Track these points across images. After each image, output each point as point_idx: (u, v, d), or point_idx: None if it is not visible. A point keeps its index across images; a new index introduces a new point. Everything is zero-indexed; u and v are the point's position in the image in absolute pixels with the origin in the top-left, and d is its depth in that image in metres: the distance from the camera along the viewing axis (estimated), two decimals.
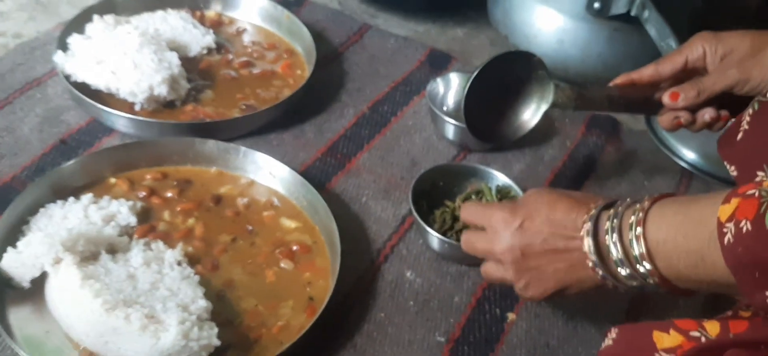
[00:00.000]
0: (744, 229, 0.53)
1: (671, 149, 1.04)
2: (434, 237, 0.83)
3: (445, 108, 1.04)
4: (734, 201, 0.54)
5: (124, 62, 0.95)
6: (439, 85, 1.04)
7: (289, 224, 0.85)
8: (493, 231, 0.69)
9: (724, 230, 0.54)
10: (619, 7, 1.03)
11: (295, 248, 0.82)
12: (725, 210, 0.55)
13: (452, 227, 0.85)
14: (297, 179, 0.87)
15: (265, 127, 0.98)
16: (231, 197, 0.88)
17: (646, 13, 0.98)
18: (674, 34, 0.95)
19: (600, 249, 0.63)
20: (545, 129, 1.06)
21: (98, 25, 1.01)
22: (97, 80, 0.95)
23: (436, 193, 0.89)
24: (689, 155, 1.03)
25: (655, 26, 0.97)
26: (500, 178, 0.91)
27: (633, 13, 1.01)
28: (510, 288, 0.82)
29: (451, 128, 0.99)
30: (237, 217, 0.85)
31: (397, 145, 1.00)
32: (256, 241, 0.83)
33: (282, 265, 0.81)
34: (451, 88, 1.05)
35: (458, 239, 0.82)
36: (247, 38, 1.13)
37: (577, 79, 1.15)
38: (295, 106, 1.00)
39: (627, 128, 1.09)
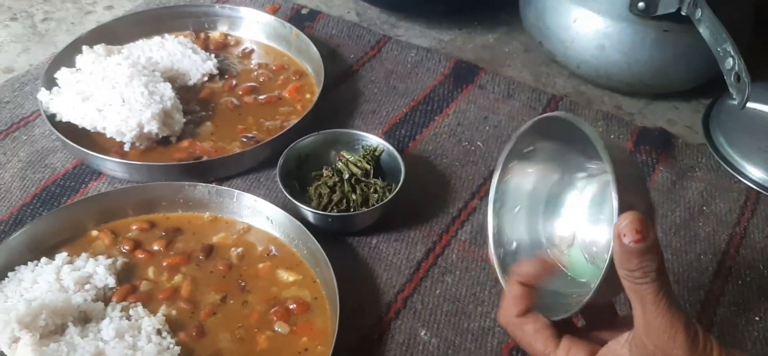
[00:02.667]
0: None
1: (734, 166, 0.90)
2: (318, 215, 0.78)
3: None
4: None
5: (112, 98, 0.87)
6: None
7: (287, 277, 0.75)
8: None
9: None
10: (667, 6, 0.89)
11: (291, 306, 0.72)
12: None
13: (331, 200, 0.80)
14: (295, 224, 0.77)
15: (268, 161, 0.88)
16: (224, 247, 0.78)
17: (698, 13, 0.84)
18: (731, 38, 0.80)
19: None
20: None
21: (87, 57, 0.93)
22: (84, 119, 0.87)
23: (306, 169, 0.84)
24: (756, 172, 0.88)
25: (709, 28, 0.83)
26: (369, 139, 0.86)
27: (684, 12, 0.87)
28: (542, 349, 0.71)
29: None
30: (229, 271, 0.76)
31: (415, 175, 0.89)
32: (248, 300, 0.73)
33: (276, 328, 0.71)
34: None
35: (339, 210, 0.79)
36: (254, 60, 1.04)
37: (621, 88, 1.02)
38: (301, 135, 0.90)
39: (682, 141, 0.94)
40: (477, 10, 1.18)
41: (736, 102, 0.83)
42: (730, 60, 0.81)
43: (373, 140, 0.86)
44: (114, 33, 1.01)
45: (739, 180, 0.89)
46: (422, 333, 0.73)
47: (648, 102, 1.02)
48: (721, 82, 0.92)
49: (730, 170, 0.90)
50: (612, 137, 0.95)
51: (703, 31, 0.85)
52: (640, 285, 0.47)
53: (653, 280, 0.47)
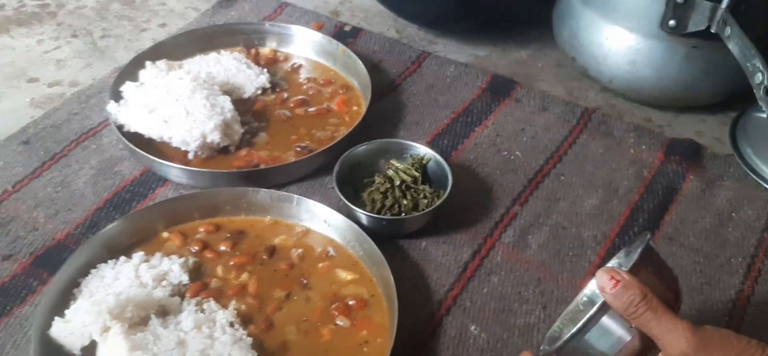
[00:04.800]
0: None
1: (761, 175, 0.95)
2: (372, 218, 0.84)
3: None
4: None
5: (176, 110, 0.93)
6: None
7: (345, 276, 0.81)
8: None
9: None
10: (697, 24, 0.94)
11: (351, 303, 0.78)
12: None
13: (384, 205, 0.86)
14: (352, 227, 0.83)
15: (321, 169, 0.94)
16: (285, 248, 0.84)
17: (727, 30, 0.90)
18: (760, 54, 0.86)
19: None
20: (618, 157, 0.99)
21: (150, 72, 0.99)
22: (150, 130, 0.94)
23: (359, 175, 0.91)
24: None
25: (738, 45, 0.89)
26: (417, 148, 0.92)
27: (713, 29, 0.93)
28: None
29: None
30: (291, 270, 0.82)
31: (459, 182, 0.94)
32: (310, 296, 0.79)
33: (338, 322, 0.76)
34: None
35: (392, 214, 0.86)
36: (303, 74, 1.10)
37: (651, 102, 1.07)
38: (350, 144, 0.96)
39: (711, 152, 1.00)
40: (509, 27, 1.24)
41: (764, 114, 0.88)
42: (760, 75, 0.86)
43: (421, 150, 0.92)
44: (172, 49, 1.07)
45: (766, 189, 0.94)
46: (472, 328, 0.78)
47: (677, 115, 1.07)
48: (746, 96, 0.97)
49: (757, 179, 0.95)
50: (643, 147, 1.00)
51: (733, 47, 0.90)
52: (640, 315, 0.56)
53: (645, 306, 0.56)
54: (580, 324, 0.58)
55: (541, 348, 0.66)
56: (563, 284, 0.83)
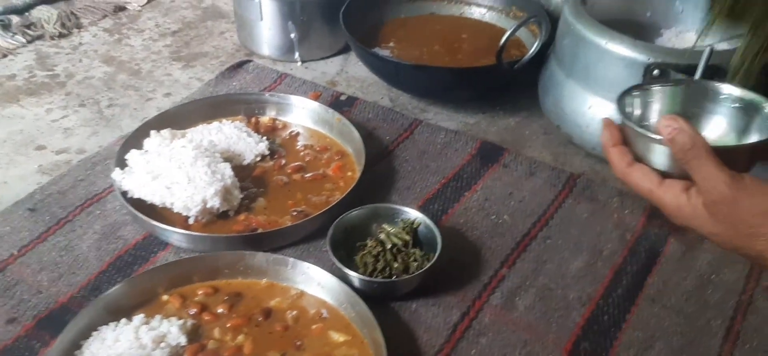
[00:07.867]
0: None
1: None
2: (364, 281, 0.88)
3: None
4: None
5: (179, 177, 0.97)
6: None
7: (338, 337, 0.84)
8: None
9: None
10: None
11: None
12: None
13: (375, 268, 0.90)
14: (345, 289, 0.86)
15: (316, 232, 0.98)
16: (280, 310, 0.87)
17: None
18: None
19: None
20: (603, 221, 1.03)
21: (155, 140, 1.04)
22: (153, 196, 0.98)
23: (351, 240, 0.94)
24: None
25: None
26: (408, 212, 0.96)
27: None
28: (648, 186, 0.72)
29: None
30: (285, 332, 0.85)
31: (448, 245, 0.98)
32: None
33: None
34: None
35: (383, 277, 0.89)
36: (300, 142, 1.15)
37: None
38: (345, 209, 1.00)
39: None
40: (498, 96, 1.29)
41: None
42: None
43: (412, 214, 0.96)
44: (176, 118, 1.12)
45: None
46: None
47: None
48: None
49: None
50: (626, 211, 1.04)
51: None
52: (687, 161, 0.65)
53: (695, 152, 0.64)
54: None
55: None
56: (549, 345, 0.86)
